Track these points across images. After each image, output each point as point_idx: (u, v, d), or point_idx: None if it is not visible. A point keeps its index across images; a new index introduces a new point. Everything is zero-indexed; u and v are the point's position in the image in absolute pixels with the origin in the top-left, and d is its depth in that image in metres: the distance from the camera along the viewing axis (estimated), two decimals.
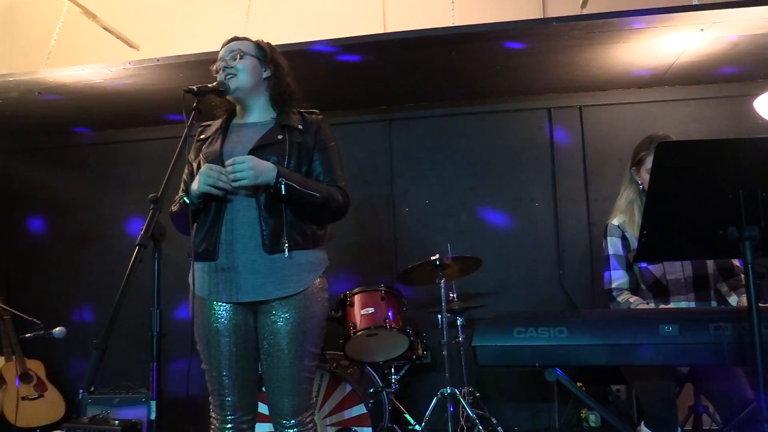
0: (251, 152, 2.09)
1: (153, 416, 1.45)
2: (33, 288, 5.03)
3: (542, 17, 4.17)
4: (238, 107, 2.28)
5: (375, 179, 4.63)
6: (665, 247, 1.75)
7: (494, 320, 1.85)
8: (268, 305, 2.07)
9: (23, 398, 4.47)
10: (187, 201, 2.05)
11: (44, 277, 5.02)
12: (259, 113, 2.25)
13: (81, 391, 3.48)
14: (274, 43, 3.53)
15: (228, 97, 2.20)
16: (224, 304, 2.09)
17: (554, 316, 1.84)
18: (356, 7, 4.42)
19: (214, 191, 2.02)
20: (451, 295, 3.71)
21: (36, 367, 4.65)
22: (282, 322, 2.06)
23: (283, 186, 2.00)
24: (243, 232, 2.06)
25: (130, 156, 4.95)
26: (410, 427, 3.57)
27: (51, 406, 4.51)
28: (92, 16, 4.10)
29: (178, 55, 3.56)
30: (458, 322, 3.68)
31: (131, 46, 4.46)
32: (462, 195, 4.54)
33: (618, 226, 2.57)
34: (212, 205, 2.10)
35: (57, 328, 3.25)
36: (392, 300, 3.37)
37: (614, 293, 2.53)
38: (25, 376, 4.55)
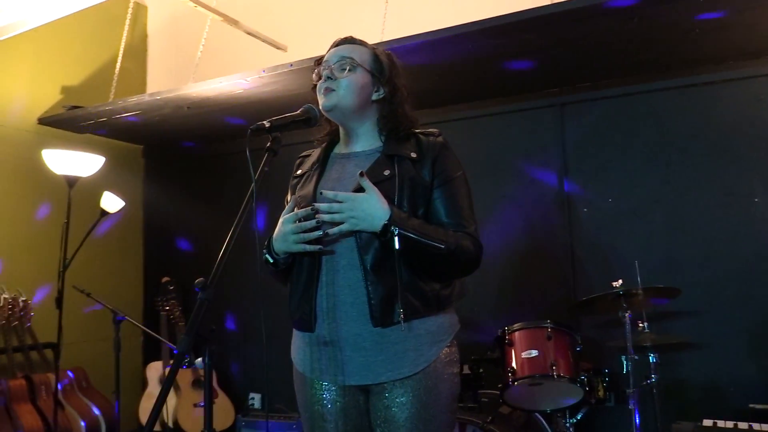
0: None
1: None
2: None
3: None
4: (341, 132, 1.84)
5: (545, 175, 3.96)
6: None
7: None
8: (380, 386, 1.63)
9: (195, 405, 4.58)
10: (269, 259, 1.69)
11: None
12: (365, 140, 1.79)
13: None
14: (418, 31, 3.05)
15: (327, 115, 1.77)
16: (328, 384, 1.69)
17: None
18: None
19: (309, 248, 1.62)
20: (640, 324, 2.99)
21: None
22: (397, 407, 1.61)
23: (396, 238, 1.54)
24: (344, 297, 1.63)
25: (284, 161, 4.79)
26: None
27: (221, 412, 4.61)
28: (234, 23, 3.94)
29: (311, 58, 3.22)
30: (650, 359, 2.95)
31: (278, 47, 4.27)
32: (654, 191, 3.69)
33: None
34: (304, 261, 1.69)
35: (197, 360, 3.13)
36: (561, 340, 2.74)
37: None
38: (197, 383, 4.66)
